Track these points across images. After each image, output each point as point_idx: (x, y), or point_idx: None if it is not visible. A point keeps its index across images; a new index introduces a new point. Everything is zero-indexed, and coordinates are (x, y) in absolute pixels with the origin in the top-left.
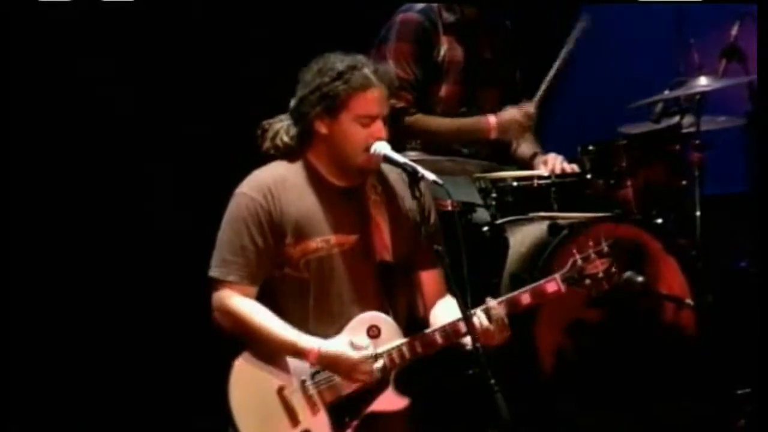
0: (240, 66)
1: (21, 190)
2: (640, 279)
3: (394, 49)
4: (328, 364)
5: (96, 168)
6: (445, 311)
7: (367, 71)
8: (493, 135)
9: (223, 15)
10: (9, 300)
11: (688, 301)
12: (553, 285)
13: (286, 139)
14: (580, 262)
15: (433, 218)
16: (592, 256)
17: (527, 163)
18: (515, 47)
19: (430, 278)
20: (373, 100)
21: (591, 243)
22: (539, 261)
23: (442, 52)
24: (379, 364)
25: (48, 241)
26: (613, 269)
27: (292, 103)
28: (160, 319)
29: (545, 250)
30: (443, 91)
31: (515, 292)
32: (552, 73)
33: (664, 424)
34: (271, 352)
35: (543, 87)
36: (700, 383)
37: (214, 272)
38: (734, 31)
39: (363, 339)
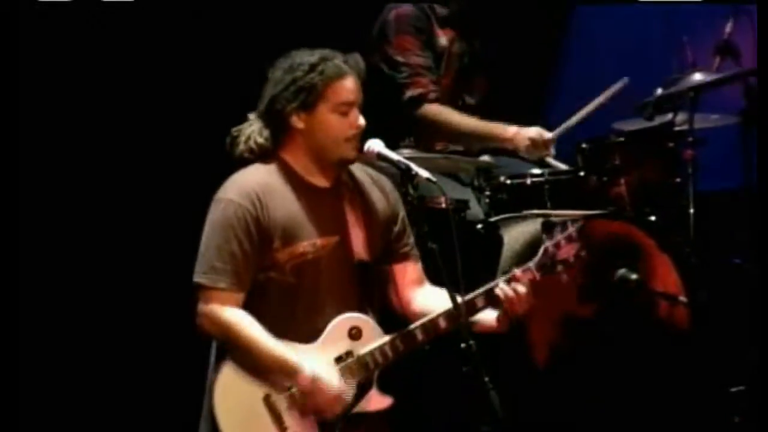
0: (241, 66)
1: (20, 191)
2: (633, 276)
3: (396, 43)
4: (313, 390)
5: (95, 169)
6: (436, 300)
7: (338, 61)
8: (509, 145)
9: (223, 15)
10: (9, 301)
11: (682, 298)
12: (528, 274)
13: (260, 140)
14: (551, 248)
15: (401, 212)
16: (562, 242)
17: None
18: (493, 35)
19: (404, 271)
20: (348, 88)
21: (558, 228)
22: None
23: (441, 43)
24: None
25: (48, 242)
26: (583, 253)
27: (262, 105)
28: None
29: (539, 247)
30: (442, 81)
31: (489, 284)
32: (577, 118)
33: (657, 421)
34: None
35: (564, 127)
36: (694, 380)
37: (201, 279)
38: (728, 28)
39: (344, 342)
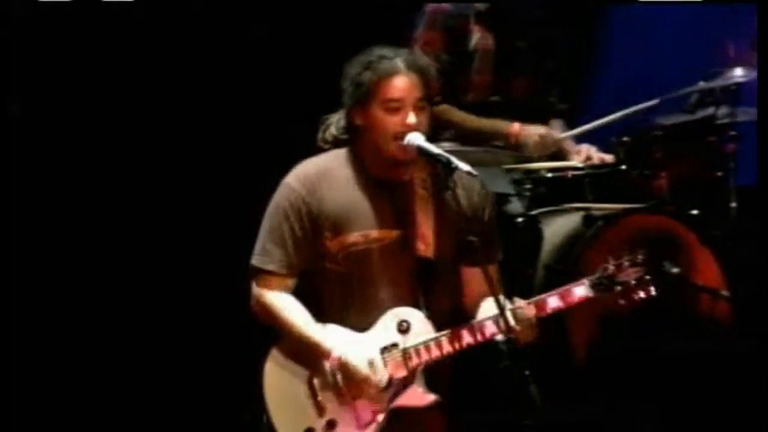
0: (242, 66)
1: (21, 191)
2: (675, 270)
3: (422, 36)
4: (342, 372)
5: (94, 169)
6: (485, 309)
7: (397, 60)
8: (513, 141)
9: (224, 14)
10: (9, 301)
11: (724, 292)
12: (581, 290)
13: (333, 131)
14: (612, 268)
15: (485, 220)
16: (626, 263)
17: (559, 155)
18: (547, 38)
19: (472, 277)
20: (398, 86)
21: (626, 249)
22: (573, 252)
23: (473, 41)
24: (387, 390)
25: (58, 242)
26: (648, 277)
27: None
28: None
29: (579, 241)
30: (474, 78)
31: (542, 295)
32: (598, 123)
33: (697, 417)
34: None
35: (581, 129)
36: (736, 376)
37: (255, 260)
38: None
39: (393, 334)
